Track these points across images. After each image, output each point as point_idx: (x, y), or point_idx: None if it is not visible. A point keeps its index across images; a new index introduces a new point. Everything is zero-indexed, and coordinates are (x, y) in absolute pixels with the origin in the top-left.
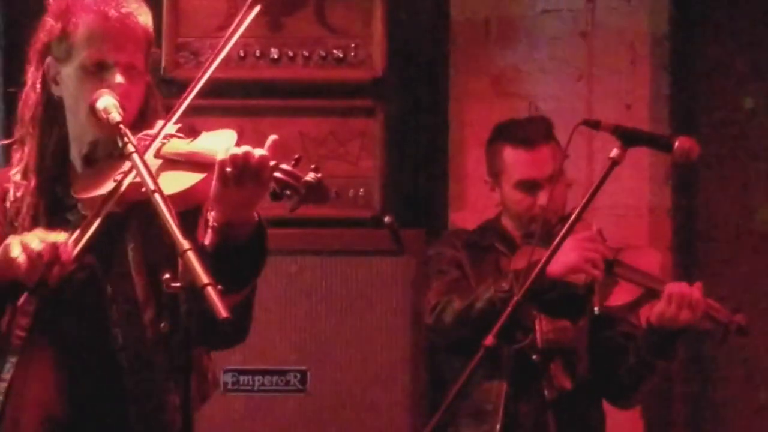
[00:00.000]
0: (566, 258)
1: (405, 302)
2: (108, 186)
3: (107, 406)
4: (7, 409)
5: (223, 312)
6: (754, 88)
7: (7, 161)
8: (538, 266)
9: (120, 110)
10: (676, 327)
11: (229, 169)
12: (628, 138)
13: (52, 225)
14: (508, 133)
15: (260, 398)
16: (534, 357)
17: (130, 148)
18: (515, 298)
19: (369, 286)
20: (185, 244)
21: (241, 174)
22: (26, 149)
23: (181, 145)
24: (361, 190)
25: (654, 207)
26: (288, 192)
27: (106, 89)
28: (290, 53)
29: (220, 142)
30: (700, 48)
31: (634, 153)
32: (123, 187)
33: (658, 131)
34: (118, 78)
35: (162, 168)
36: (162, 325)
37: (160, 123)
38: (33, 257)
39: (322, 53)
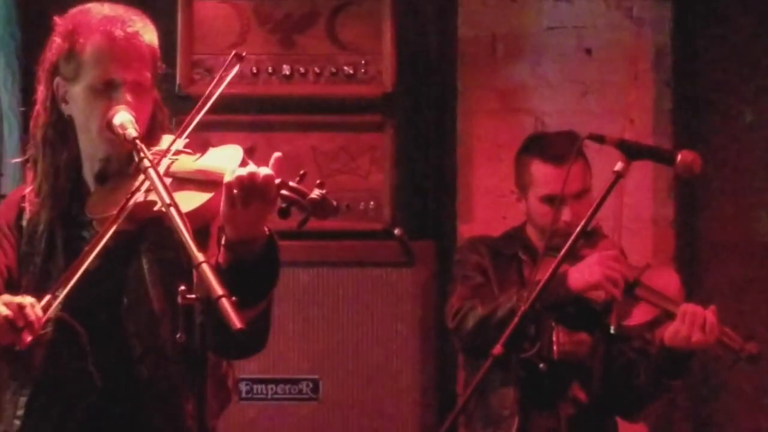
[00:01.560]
0: (589, 274)
1: (415, 312)
2: (119, 205)
3: (126, 414)
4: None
5: (237, 323)
6: (754, 102)
7: (23, 178)
8: (545, 278)
9: (136, 126)
10: (688, 348)
11: (235, 191)
12: (632, 152)
13: (68, 242)
14: (538, 147)
15: (274, 406)
16: (541, 366)
17: (146, 163)
18: (522, 308)
19: (380, 296)
20: (200, 256)
21: (248, 195)
22: (39, 169)
23: (189, 164)
24: (372, 203)
25: (657, 219)
26: (295, 208)
27: (122, 105)
28: (302, 69)
29: (226, 160)
30: (701, 62)
31: (638, 166)
32: (128, 209)
33: (661, 145)
34: (127, 97)
35: (171, 187)
36: (178, 336)
37: (166, 138)
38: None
39: (333, 69)
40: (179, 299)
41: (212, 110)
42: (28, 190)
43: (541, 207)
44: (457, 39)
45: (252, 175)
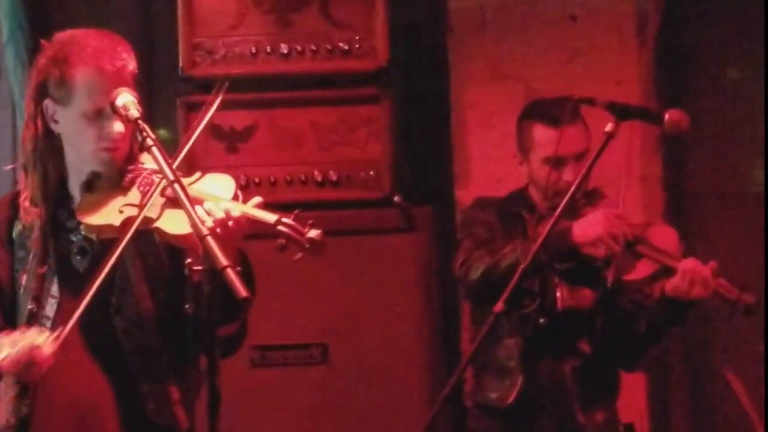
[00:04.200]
0: (592, 229)
1: (416, 275)
2: (112, 215)
3: (126, 402)
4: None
5: (242, 292)
6: (740, 60)
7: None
8: (546, 230)
9: (138, 107)
10: (688, 299)
11: (219, 230)
12: (622, 113)
13: (58, 246)
14: (539, 111)
15: (285, 371)
16: (541, 321)
17: (149, 142)
18: (524, 262)
19: (382, 261)
20: (204, 230)
21: (231, 235)
22: (30, 178)
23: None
24: (371, 172)
25: (645, 176)
26: (292, 245)
27: (124, 87)
28: (299, 48)
29: (220, 190)
30: (684, 22)
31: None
32: (137, 223)
33: (648, 105)
34: (118, 126)
35: (166, 206)
36: (186, 306)
37: (145, 156)
38: (12, 365)
39: (329, 46)
40: (186, 271)
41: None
42: (22, 197)
43: (542, 169)
44: (447, 11)
45: (234, 222)
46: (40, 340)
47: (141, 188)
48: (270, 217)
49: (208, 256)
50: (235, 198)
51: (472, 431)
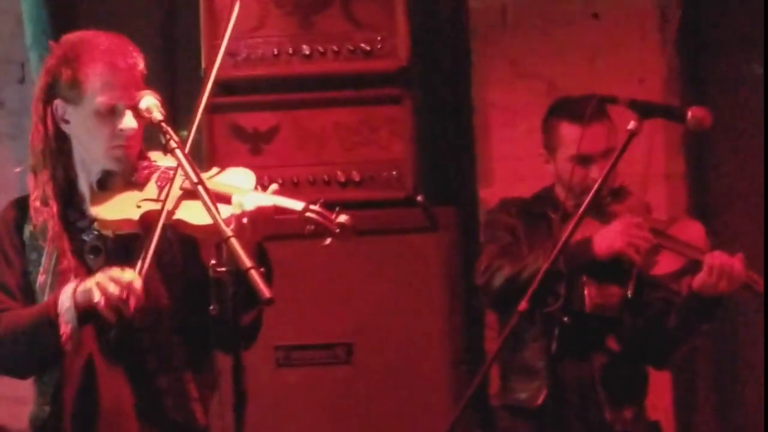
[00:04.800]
0: (613, 241)
1: (440, 274)
2: (130, 210)
3: (144, 399)
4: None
5: (266, 293)
6: (761, 55)
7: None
8: (563, 239)
9: (161, 109)
10: (716, 294)
11: (245, 220)
12: (644, 110)
13: (72, 244)
14: (565, 109)
15: (309, 371)
16: (565, 319)
17: (173, 144)
18: (543, 267)
19: (405, 261)
20: (228, 231)
21: (255, 223)
22: (40, 179)
23: (207, 182)
24: (394, 172)
25: (669, 174)
26: (321, 231)
27: (147, 90)
28: (321, 49)
29: (241, 181)
30: (707, 19)
31: (649, 123)
32: (163, 215)
33: (671, 102)
34: (132, 122)
35: (183, 198)
36: (211, 307)
37: (156, 153)
38: (112, 300)
39: (350, 47)
40: (210, 272)
41: (238, 92)
42: (32, 198)
43: (569, 166)
44: (468, 10)
45: (261, 210)
46: (129, 274)
47: (159, 183)
48: (297, 204)
49: (231, 257)
50: (256, 190)
51: (501, 431)
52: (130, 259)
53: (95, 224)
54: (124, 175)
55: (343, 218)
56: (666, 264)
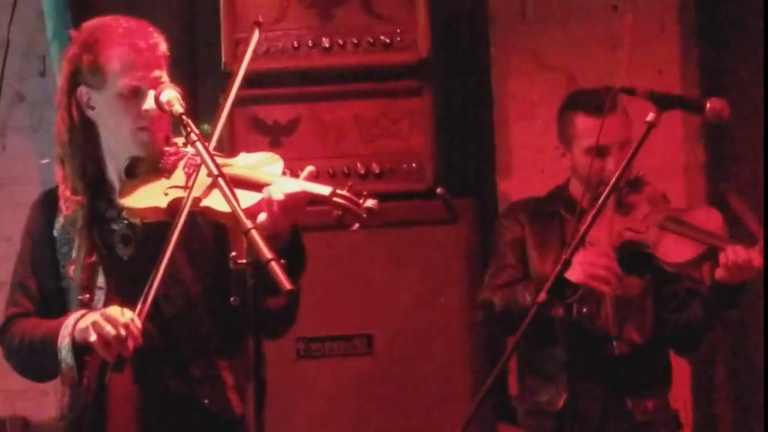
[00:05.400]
0: (574, 273)
1: (460, 266)
2: (158, 198)
3: (179, 390)
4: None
5: (287, 284)
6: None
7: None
8: (581, 232)
9: (182, 102)
10: (739, 282)
11: (275, 209)
12: (663, 102)
13: (101, 235)
14: (580, 101)
15: (330, 362)
16: (584, 310)
17: (194, 137)
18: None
19: (425, 253)
20: (248, 223)
21: (286, 211)
22: (68, 169)
23: (234, 169)
24: (414, 164)
25: (688, 165)
26: (349, 216)
27: (168, 83)
28: (341, 41)
29: (270, 167)
30: (725, 10)
31: (668, 115)
32: (188, 202)
33: (689, 94)
34: (150, 102)
35: (211, 185)
36: (232, 299)
37: (178, 139)
38: (108, 341)
39: (370, 40)
40: (231, 264)
41: (258, 84)
42: (61, 189)
43: (585, 159)
44: (488, 2)
45: (291, 197)
46: (128, 315)
47: (186, 170)
48: (325, 189)
49: (252, 249)
50: (284, 174)
51: (524, 430)
52: (159, 248)
53: (124, 212)
54: (151, 162)
55: (370, 203)
56: (685, 251)
